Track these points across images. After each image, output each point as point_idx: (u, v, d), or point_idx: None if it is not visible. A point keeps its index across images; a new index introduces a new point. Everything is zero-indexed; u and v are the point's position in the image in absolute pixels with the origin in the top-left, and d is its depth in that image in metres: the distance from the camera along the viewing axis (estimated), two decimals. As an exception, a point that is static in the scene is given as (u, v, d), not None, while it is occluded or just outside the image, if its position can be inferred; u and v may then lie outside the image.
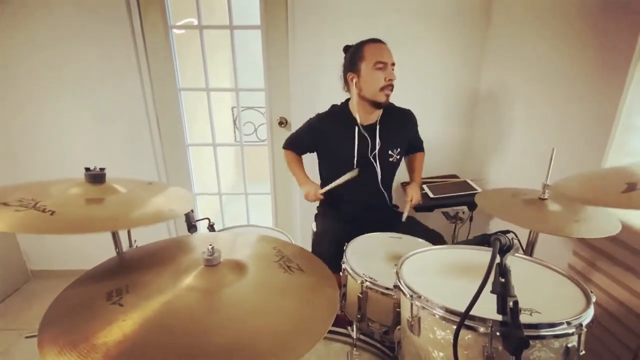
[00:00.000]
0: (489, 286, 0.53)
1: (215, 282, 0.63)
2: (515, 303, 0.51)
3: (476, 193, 1.75)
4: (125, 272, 0.67)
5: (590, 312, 0.62)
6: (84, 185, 0.82)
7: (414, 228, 1.43)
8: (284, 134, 2.06)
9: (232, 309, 0.58)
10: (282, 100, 2.00)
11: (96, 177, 0.83)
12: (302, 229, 2.20)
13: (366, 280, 1.02)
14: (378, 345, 0.94)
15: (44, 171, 2.02)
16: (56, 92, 1.90)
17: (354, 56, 1.35)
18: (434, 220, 1.90)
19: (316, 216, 1.68)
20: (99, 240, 2.14)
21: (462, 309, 0.56)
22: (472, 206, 1.77)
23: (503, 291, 0.48)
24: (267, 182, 2.22)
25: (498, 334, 0.57)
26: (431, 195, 1.81)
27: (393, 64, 1.34)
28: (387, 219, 1.56)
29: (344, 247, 1.25)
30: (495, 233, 0.50)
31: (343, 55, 1.45)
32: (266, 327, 0.54)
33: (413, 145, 1.63)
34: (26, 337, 0.77)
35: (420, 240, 1.34)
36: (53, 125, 1.96)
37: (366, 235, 1.34)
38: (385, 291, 1.01)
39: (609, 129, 1.14)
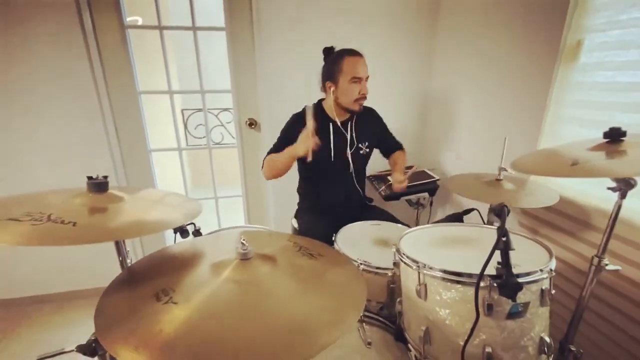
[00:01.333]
0: (484, 250, 0.67)
1: (252, 273, 0.68)
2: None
3: (435, 180, 1.99)
4: (158, 275, 0.68)
5: (554, 261, 0.80)
6: (85, 195, 0.80)
7: (384, 217, 1.59)
8: (254, 135, 2.09)
9: (273, 295, 0.63)
10: (250, 101, 2.01)
11: (100, 185, 0.80)
12: (278, 228, 2.23)
13: (361, 264, 1.13)
14: (380, 319, 1.05)
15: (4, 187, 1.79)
16: (7, 98, 1.70)
17: (333, 67, 1.44)
18: (398, 207, 2.10)
19: (297, 212, 1.75)
20: (41, 264, 1.95)
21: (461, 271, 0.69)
22: (433, 192, 1.99)
23: (506, 247, 0.61)
24: (231, 185, 2.21)
25: (495, 285, 0.71)
26: (397, 185, 1.99)
27: (367, 77, 1.46)
28: (362, 210, 1.70)
29: (333, 238, 1.35)
30: (500, 205, 0.63)
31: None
32: (310, 307, 0.61)
33: (390, 145, 1.76)
34: (38, 359, 0.73)
35: (399, 225, 1.50)
36: (4, 134, 1.75)
37: (349, 225, 1.46)
38: (379, 271, 1.13)
39: (540, 119, 1.40)
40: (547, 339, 0.79)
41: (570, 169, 0.79)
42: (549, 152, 0.97)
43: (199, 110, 2.03)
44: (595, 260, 0.92)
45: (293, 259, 0.77)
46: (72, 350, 0.69)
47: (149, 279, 0.66)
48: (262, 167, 1.55)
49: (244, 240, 0.70)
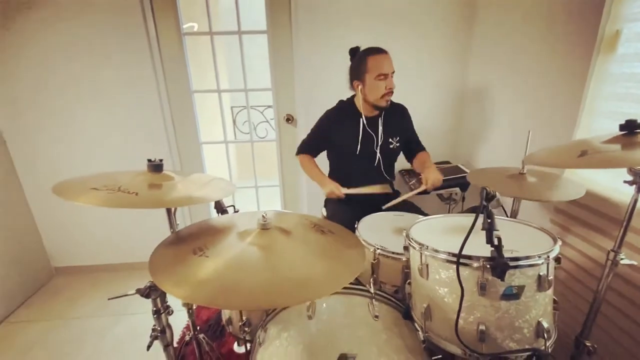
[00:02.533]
0: (481, 236, 0.73)
1: (270, 240, 0.82)
2: (499, 239, 0.71)
3: (466, 175, 1.98)
4: (198, 238, 0.85)
5: (556, 249, 0.83)
6: (145, 174, 1.00)
7: (411, 210, 1.64)
8: (291, 130, 2.25)
9: (285, 257, 0.77)
10: (288, 98, 2.17)
11: (156, 166, 1.00)
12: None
13: (378, 249, 1.22)
14: (391, 298, 1.14)
15: (76, 170, 2.17)
16: (83, 100, 2.06)
17: (359, 66, 1.52)
18: (429, 202, 2.12)
19: (326, 202, 1.87)
20: (117, 237, 2.32)
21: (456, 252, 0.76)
22: (464, 187, 1.98)
23: (490, 227, 0.67)
24: (270, 176, 2.40)
25: (488, 266, 0.77)
26: (427, 179, 2.01)
27: (393, 72, 1.52)
28: (389, 201, 1.76)
29: (355, 225, 1.45)
30: (483, 189, 0.69)
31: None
32: (313, 268, 0.73)
33: (412, 145, 1.79)
34: (109, 299, 0.94)
35: (420, 216, 1.55)
36: (82, 130, 2.12)
37: (373, 214, 1.55)
38: (395, 256, 1.20)
39: (576, 113, 1.35)
40: (545, 324, 0.82)
41: (578, 160, 0.81)
42: (562, 146, 0.97)
43: (246, 107, 2.25)
44: (611, 254, 0.91)
45: (306, 233, 0.89)
46: (134, 293, 0.89)
47: (189, 240, 0.83)
48: (297, 154, 1.77)
49: (264, 214, 0.84)
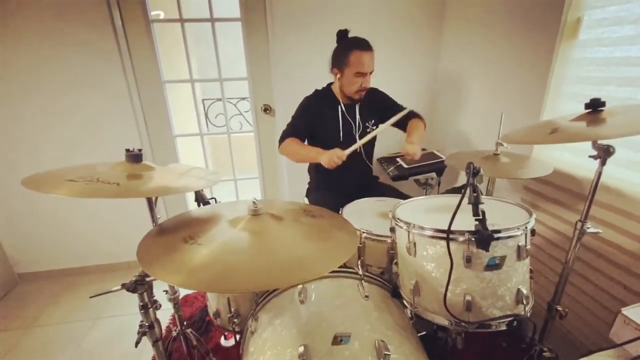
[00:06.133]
0: (463, 213, 0.77)
1: (262, 225, 0.81)
2: (483, 212, 0.75)
3: (442, 160, 2.05)
4: (184, 228, 0.83)
5: (532, 221, 0.88)
6: (123, 165, 0.95)
7: (392, 195, 1.68)
8: (269, 120, 2.22)
9: (279, 240, 0.77)
10: (265, 88, 2.14)
11: (135, 156, 0.96)
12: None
13: (364, 232, 1.25)
14: (379, 279, 1.17)
15: (40, 169, 2.01)
16: (44, 94, 1.91)
17: (341, 57, 1.51)
18: (407, 187, 2.18)
19: (308, 191, 1.88)
20: (83, 239, 2.20)
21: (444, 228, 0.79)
22: (440, 172, 2.06)
23: (476, 200, 0.71)
24: (247, 169, 2.37)
25: (473, 239, 0.81)
26: (405, 165, 2.07)
27: (372, 72, 1.51)
28: (371, 187, 1.80)
29: (340, 212, 1.47)
30: (469, 163, 0.73)
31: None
32: (307, 249, 0.74)
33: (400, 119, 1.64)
34: (91, 297, 0.90)
35: (401, 200, 1.59)
36: (45, 127, 1.98)
37: (356, 200, 1.57)
38: (380, 238, 1.24)
39: (542, 95, 1.44)
40: (524, 291, 0.88)
41: (549, 137, 0.87)
42: (534, 125, 1.03)
43: (219, 99, 2.18)
44: (579, 224, 0.99)
45: (297, 217, 0.89)
46: (119, 289, 0.85)
47: (175, 231, 0.81)
48: (280, 144, 1.65)
49: (254, 199, 0.83)
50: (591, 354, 0.78)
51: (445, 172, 2.05)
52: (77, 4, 1.78)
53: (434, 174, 2.09)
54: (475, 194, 0.71)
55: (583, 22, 1.26)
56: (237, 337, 1.22)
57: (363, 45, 1.49)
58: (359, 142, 1.49)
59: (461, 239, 0.83)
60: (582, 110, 0.92)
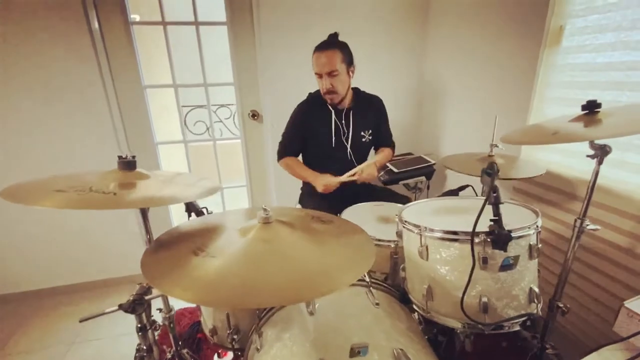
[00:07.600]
0: (470, 215, 0.76)
1: (275, 233, 0.76)
2: (500, 213, 0.75)
3: (431, 164, 2.09)
4: (189, 240, 0.76)
5: (540, 219, 0.90)
6: (115, 173, 0.87)
7: (389, 199, 1.67)
8: (257, 127, 2.17)
9: (294, 249, 0.72)
10: (252, 93, 2.08)
11: (129, 164, 0.88)
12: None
13: (366, 238, 1.22)
14: (386, 285, 1.14)
15: (11, 176, 1.85)
16: (13, 96, 1.76)
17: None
18: (397, 191, 2.19)
19: (301, 197, 1.83)
20: (61, 258, 2.03)
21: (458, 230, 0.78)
22: (429, 176, 2.09)
23: (497, 200, 0.70)
24: (233, 178, 2.30)
25: (488, 240, 0.81)
26: (395, 170, 2.08)
27: (330, 73, 1.43)
28: (364, 193, 1.78)
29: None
30: (490, 163, 0.72)
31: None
32: (326, 258, 0.70)
33: (381, 139, 1.78)
34: (80, 321, 0.80)
35: (399, 205, 1.59)
36: (17, 130, 1.82)
37: (353, 205, 1.55)
38: (382, 243, 1.22)
39: (528, 100, 1.49)
40: (536, 290, 0.89)
41: (552, 137, 0.89)
42: (534, 126, 1.06)
43: (199, 106, 2.09)
44: (578, 222, 1.02)
45: (308, 224, 0.85)
46: (115, 310, 0.77)
47: (181, 243, 0.74)
48: (280, 158, 1.68)
49: (265, 207, 0.78)
50: (599, 348, 0.79)
51: (435, 176, 2.08)
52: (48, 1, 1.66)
53: (423, 178, 2.12)
54: (495, 194, 0.71)
55: (565, 30, 1.32)
56: (238, 354, 1.15)
57: (320, 45, 1.45)
58: (353, 170, 1.51)
59: (477, 240, 0.83)
60: (566, 112, 0.96)
